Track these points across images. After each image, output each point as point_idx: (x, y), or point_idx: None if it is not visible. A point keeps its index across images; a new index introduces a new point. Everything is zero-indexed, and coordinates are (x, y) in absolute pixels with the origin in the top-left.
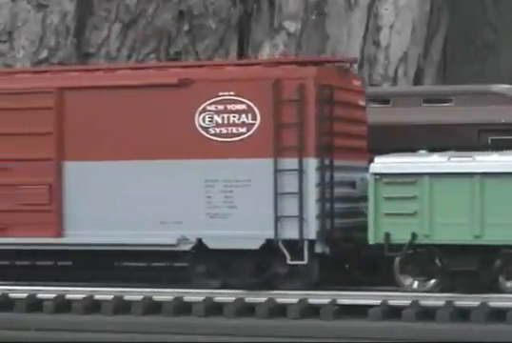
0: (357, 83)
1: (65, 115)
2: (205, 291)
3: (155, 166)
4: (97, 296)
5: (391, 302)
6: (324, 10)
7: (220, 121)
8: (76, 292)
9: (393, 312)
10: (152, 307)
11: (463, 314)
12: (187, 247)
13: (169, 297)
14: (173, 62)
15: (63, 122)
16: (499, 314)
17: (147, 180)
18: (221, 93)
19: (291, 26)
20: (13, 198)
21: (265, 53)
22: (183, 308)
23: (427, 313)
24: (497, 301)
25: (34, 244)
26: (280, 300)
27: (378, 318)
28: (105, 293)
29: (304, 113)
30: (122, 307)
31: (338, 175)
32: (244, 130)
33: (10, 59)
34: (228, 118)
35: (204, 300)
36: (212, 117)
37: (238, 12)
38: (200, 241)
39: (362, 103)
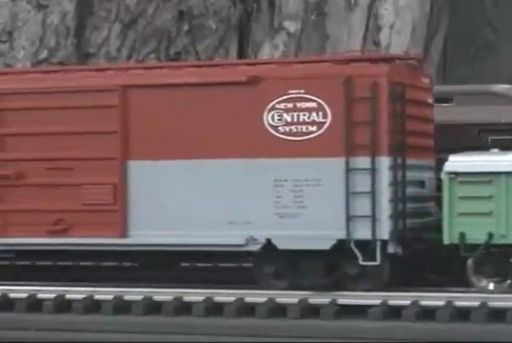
0: (425, 80)
1: (129, 114)
2: (205, 291)
3: (222, 165)
4: (97, 296)
5: (391, 302)
6: (324, 10)
7: (289, 119)
8: (76, 292)
9: (393, 312)
10: (152, 307)
11: (463, 314)
12: (255, 247)
13: (169, 297)
14: (243, 59)
15: (127, 121)
16: (499, 314)
17: (214, 180)
18: (290, 91)
19: (291, 26)
20: (77, 198)
21: (266, 53)
22: (183, 308)
23: (427, 313)
24: (497, 301)
25: (98, 245)
26: (280, 300)
27: (378, 318)
28: (105, 293)
29: (376, 111)
30: (122, 307)
31: (409, 175)
32: (314, 128)
33: (10, 59)
34: (298, 116)
35: (204, 300)
36: (281, 116)
37: (238, 12)
38: (269, 241)
39: (430, 101)
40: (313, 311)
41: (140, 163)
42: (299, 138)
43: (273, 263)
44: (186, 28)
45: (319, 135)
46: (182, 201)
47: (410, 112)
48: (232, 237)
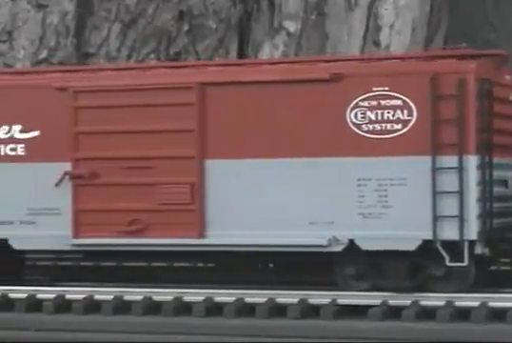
0: (508, 77)
1: (207, 112)
2: (205, 291)
3: (304, 164)
4: (97, 296)
5: (391, 302)
6: (324, 10)
7: (373, 117)
8: (76, 293)
9: (393, 312)
10: (152, 307)
11: (463, 314)
12: (338, 248)
13: (169, 297)
14: (323, 56)
15: (205, 119)
16: (499, 314)
17: (294, 179)
18: (375, 88)
19: (291, 26)
20: (153, 198)
21: (265, 53)
22: (183, 308)
23: (427, 313)
24: (497, 301)
25: (175, 245)
26: (280, 300)
27: (378, 318)
28: (105, 294)
29: (464, 109)
30: (122, 307)
31: (495, 173)
32: (399, 126)
33: (10, 59)
34: (382, 114)
35: (204, 300)
36: (365, 113)
37: (238, 12)
38: (351, 242)
39: None
40: (313, 311)
41: (218, 162)
42: (383, 136)
43: (355, 264)
44: (186, 28)
45: (404, 133)
46: (261, 201)
47: (496, 110)
48: (314, 238)
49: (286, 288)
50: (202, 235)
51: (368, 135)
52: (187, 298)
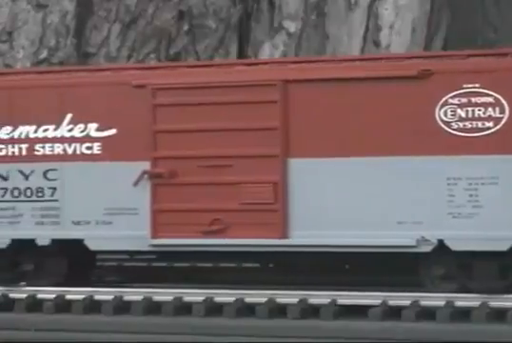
0: None
1: (290, 109)
2: (205, 291)
3: (390, 163)
4: (97, 297)
5: (391, 302)
6: (324, 10)
7: (463, 115)
8: (76, 293)
9: (393, 312)
10: (152, 307)
11: (463, 314)
12: (427, 248)
13: (169, 297)
14: (411, 52)
15: (288, 117)
16: (499, 314)
17: (381, 178)
18: (465, 85)
19: (291, 26)
20: (234, 197)
21: (265, 53)
22: (183, 308)
23: (427, 313)
24: (497, 301)
25: (256, 245)
26: (280, 300)
27: (378, 318)
28: (105, 294)
29: None
30: (122, 307)
31: None
32: (490, 124)
33: (10, 59)
34: (473, 112)
35: (204, 300)
36: (455, 111)
37: (238, 12)
38: (440, 242)
39: None
40: (313, 311)
41: (301, 161)
42: (474, 134)
43: (443, 264)
44: (186, 28)
45: (496, 131)
46: (346, 200)
47: None
48: (402, 238)
49: (286, 288)
50: (284, 236)
51: (458, 133)
52: (186, 298)
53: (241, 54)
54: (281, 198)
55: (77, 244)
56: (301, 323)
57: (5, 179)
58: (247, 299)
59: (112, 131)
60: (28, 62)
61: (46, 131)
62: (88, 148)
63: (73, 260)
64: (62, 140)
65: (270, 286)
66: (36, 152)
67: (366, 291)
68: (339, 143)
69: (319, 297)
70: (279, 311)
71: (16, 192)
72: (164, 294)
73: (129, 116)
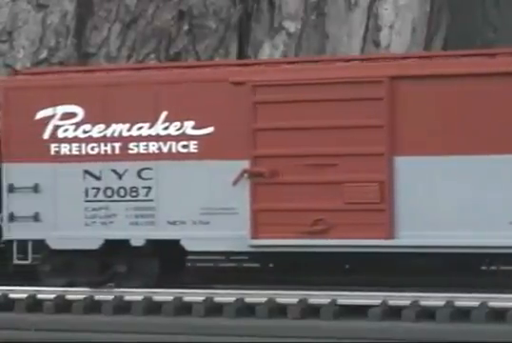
0: None
1: (397, 107)
2: (205, 291)
3: (502, 161)
4: (97, 297)
5: (391, 302)
6: (324, 10)
7: None
8: (76, 293)
9: (393, 313)
10: (152, 307)
11: (463, 314)
12: None
13: (169, 297)
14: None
15: (395, 114)
16: (499, 314)
17: (491, 176)
18: None
19: (291, 26)
20: (338, 197)
21: (265, 53)
22: (183, 308)
23: (427, 313)
24: (497, 301)
25: (362, 246)
26: (280, 300)
27: (378, 318)
28: (105, 294)
29: None
30: (122, 307)
31: None
32: None
33: (10, 59)
34: None
35: (204, 300)
36: None
37: (238, 12)
38: None
39: None
40: (313, 311)
41: (408, 159)
42: None
43: None
44: (186, 28)
45: None
46: (455, 200)
47: None
48: None
49: (287, 288)
50: (391, 236)
51: None
52: (186, 298)
53: (241, 54)
54: (387, 197)
55: (171, 244)
56: (301, 323)
57: (98, 179)
58: (247, 299)
59: (210, 130)
60: (28, 62)
61: (140, 129)
62: (185, 146)
63: (165, 261)
64: (157, 138)
65: (270, 286)
66: (130, 151)
67: (367, 291)
68: (448, 141)
69: (319, 297)
70: (279, 311)
71: (109, 192)
72: (164, 294)
73: (228, 114)
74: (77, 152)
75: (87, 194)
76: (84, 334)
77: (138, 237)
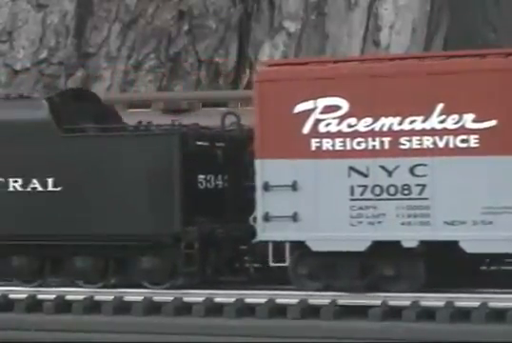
0: None
1: None
2: (205, 291)
3: None
4: (97, 297)
5: (391, 302)
6: (324, 9)
7: None
8: (76, 293)
9: (393, 313)
10: (152, 307)
11: (463, 314)
12: None
13: (169, 298)
14: None
15: None
16: (499, 314)
17: None
18: None
19: (291, 26)
20: None
21: (265, 53)
22: (183, 308)
23: (427, 313)
24: (497, 301)
25: None
26: (280, 301)
27: (378, 319)
28: (105, 294)
29: None
30: (122, 307)
31: None
32: None
33: (10, 59)
34: None
35: (204, 301)
36: None
37: (238, 12)
38: None
39: None
40: (313, 311)
41: None
42: None
43: None
44: (186, 28)
45: None
46: None
47: None
48: None
49: (286, 288)
50: None
51: None
52: (186, 299)
53: (241, 54)
54: None
55: (446, 245)
56: (301, 323)
57: (365, 176)
58: (247, 299)
59: (492, 123)
60: (28, 62)
61: (413, 122)
62: (464, 141)
63: (435, 262)
64: (432, 132)
65: (270, 286)
66: (401, 146)
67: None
68: None
69: (319, 298)
70: (279, 311)
71: (378, 190)
72: (164, 295)
73: None
74: (341, 148)
75: (352, 193)
76: (84, 334)
77: (410, 238)
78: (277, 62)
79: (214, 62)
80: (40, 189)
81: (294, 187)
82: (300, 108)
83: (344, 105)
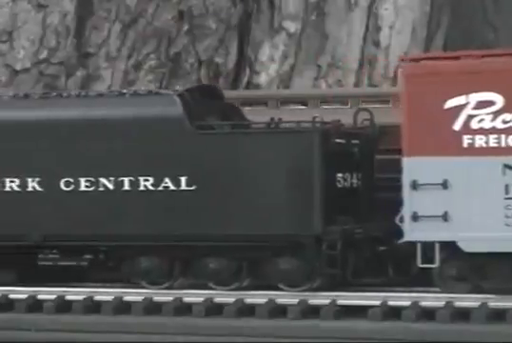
0: None
1: None
2: (205, 291)
3: None
4: (97, 297)
5: (391, 302)
6: (324, 9)
7: None
8: (76, 293)
9: (393, 313)
10: (152, 307)
11: (463, 314)
12: None
13: (169, 298)
14: None
15: None
16: (499, 314)
17: None
18: None
19: (291, 26)
20: None
21: (265, 53)
22: (183, 308)
23: (427, 314)
24: (497, 301)
25: None
26: (280, 301)
27: (378, 319)
28: (105, 294)
29: None
30: (122, 307)
31: None
32: None
33: (10, 59)
34: None
35: (204, 301)
36: None
37: (238, 12)
38: None
39: None
40: (313, 311)
41: None
42: None
43: None
44: (186, 28)
45: None
46: None
47: None
48: None
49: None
50: None
51: None
52: (187, 299)
53: (241, 54)
54: None
55: None
56: (301, 323)
57: None
58: (247, 299)
59: None
60: (28, 62)
61: None
62: None
63: None
64: None
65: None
66: None
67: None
68: None
69: (319, 298)
70: (279, 311)
71: None
72: (164, 295)
73: None
74: (495, 145)
75: (507, 191)
76: (84, 334)
77: None
78: (418, 57)
79: (214, 62)
80: (173, 188)
81: (445, 185)
82: (451, 103)
83: (499, 100)
